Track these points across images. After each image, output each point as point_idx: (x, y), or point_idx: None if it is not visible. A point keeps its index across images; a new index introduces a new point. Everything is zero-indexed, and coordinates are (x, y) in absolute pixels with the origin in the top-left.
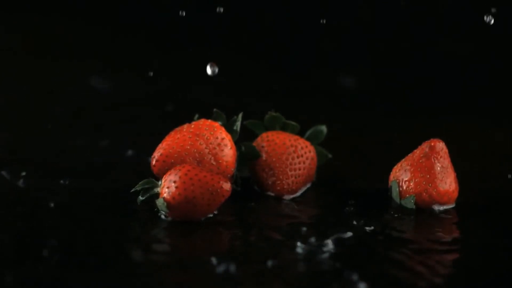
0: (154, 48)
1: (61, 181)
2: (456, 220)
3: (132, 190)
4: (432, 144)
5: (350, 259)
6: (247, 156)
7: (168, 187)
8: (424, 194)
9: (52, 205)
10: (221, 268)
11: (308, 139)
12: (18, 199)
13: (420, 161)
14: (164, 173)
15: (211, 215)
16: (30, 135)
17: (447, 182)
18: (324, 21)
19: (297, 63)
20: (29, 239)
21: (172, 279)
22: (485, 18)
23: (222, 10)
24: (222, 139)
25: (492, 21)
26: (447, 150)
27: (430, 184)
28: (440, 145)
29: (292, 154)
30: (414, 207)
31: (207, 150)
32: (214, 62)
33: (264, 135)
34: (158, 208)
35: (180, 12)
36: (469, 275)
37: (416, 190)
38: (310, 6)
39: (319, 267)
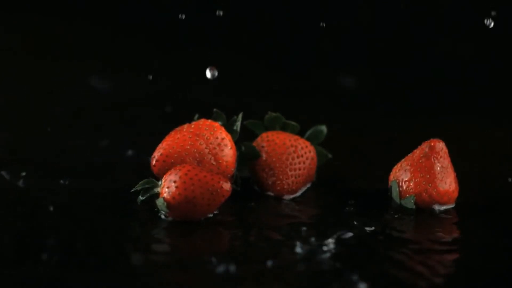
0: (154, 48)
1: (61, 181)
2: (456, 220)
3: (132, 190)
4: (432, 144)
5: (350, 259)
6: (247, 156)
7: (168, 187)
8: (424, 194)
9: (51, 208)
10: (221, 268)
11: (308, 139)
12: (18, 199)
13: (420, 161)
14: (164, 173)
15: (211, 215)
16: (30, 135)
17: (447, 182)
18: (324, 24)
19: (297, 63)
20: (29, 239)
21: (172, 279)
22: (485, 21)
23: (221, 13)
24: (222, 139)
25: (492, 24)
26: (447, 150)
27: (430, 184)
28: (440, 145)
29: (292, 154)
30: (414, 207)
31: (207, 150)
32: (213, 66)
33: (264, 135)
34: (158, 208)
35: (180, 15)
36: (469, 275)
37: (416, 190)
38: (310, 6)
39: (319, 267)
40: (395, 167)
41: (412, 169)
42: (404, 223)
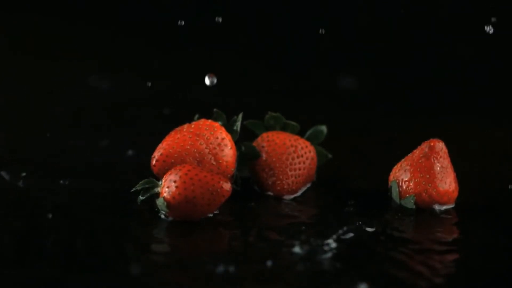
0: (154, 48)
1: (61, 181)
2: (456, 220)
3: (132, 190)
4: (432, 144)
5: (350, 259)
6: (247, 156)
7: (168, 187)
8: (424, 194)
9: (50, 216)
10: (221, 268)
11: (308, 139)
12: (18, 199)
13: (420, 161)
14: (164, 173)
15: (211, 215)
16: (30, 135)
17: (447, 182)
18: (323, 31)
19: (297, 63)
20: (29, 239)
21: (172, 279)
22: (485, 28)
23: (220, 20)
24: (222, 139)
25: (492, 31)
26: (446, 150)
27: (429, 184)
28: (440, 145)
29: (292, 154)
30: (414, 207)
31: (207, 150)
32: (212, 73)
33: (264, 135)
34: (158, 208)
35: (179, 22)
36: (469, 275)
37: (416, 190)
38: (310, 6)
39: (319, 267)
40: (395, 167)
41: (412, 169)
42: (404, 223)
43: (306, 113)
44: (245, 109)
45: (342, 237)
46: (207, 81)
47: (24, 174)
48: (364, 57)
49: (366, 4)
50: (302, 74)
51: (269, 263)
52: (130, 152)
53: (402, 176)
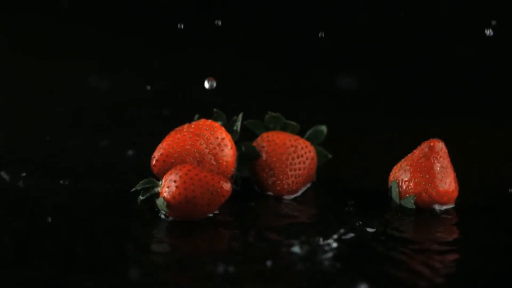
0: (154, 48)
1: (61, 181)
2: (456, 220)
3: (132, 190)
4: (432, 144)
5: (350, 259)
6: (247, 156)
7: (168, 187)
8: (424, 194)
9: (49, 220)
10: (221, 268)
11: (308, 139)
12: (18, 199)
13: (420, 161)
14: (164, 173)
15: (211, 215)
16: (30, 135)
17: (447, 182)
18: (323, 35)
19: (297, 63)
20: (29, 239)
21: (172, 279)
22: (485, 31)
23: (220, 23)
24: (222, 139)
25: (492, 34)
26: (446, 150)
27: (429, 184)
28: (440, 145)
29: (292, 154)
30: (414, 207)
31: (207, 150)
32: (211, 77)
33: (264, 135)
34: (158, 208)
35: (179, 25)
36: (469, 275)
37: (416, 190)
38: (310, 6)
39: (319, 267)
40: (395, 167)
41: (411, 169)
42: (404, 223)
43: (306, 113)
44: (245, 109)
45: (343, 237)
46: (206, 84)
47: (24, 174)
48: (364, 57)
49: (366, 4)
50: (302, 74)
51: (269, 263)
52: (130, 152)
53: (402, 176)
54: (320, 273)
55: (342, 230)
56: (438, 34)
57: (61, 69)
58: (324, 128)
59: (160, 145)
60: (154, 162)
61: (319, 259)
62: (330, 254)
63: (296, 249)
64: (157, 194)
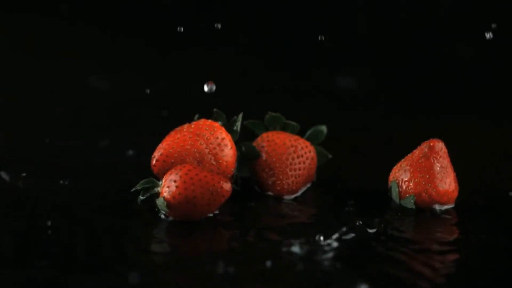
0: (154, 48)
1: (61, 181)
2: (456, 220)
3: (132, 190)
4: (431, 144)
5: (350, 259)
6: (247, 156)
7: (168, 187)
8: (424, 194)
9: (49, 223)
10: (221, 268)
11: (308, 139)
12: (18, 199)
13: (420, 161)
14: (164, 173)
15: (211, 215)
16: (30, 135)
17: (447, 182)
18: (323, 38)
19: (297, 63)
20: (29, 239)
21: (172, 279)
22: (486, 34)
23: (220, 26)
24: (222, 139)
25: (492, 36)
26: (446, 150)
27: (429, 184)
28: (440, 145)
29: (292, 154)
30: (414, 207)
31: (207, 150)
32: (211, 81)
33: (264, 135)
34: (158, 208)
35: (178, 28)
36: (469, 275)
37: (416, 190)
38: (310, 6)
39: (319, 267)
40: (395, 167)
41: (411, 169)
42: (404, 223)
43: (306, 113)
44: (245, 109)
45: (343, 237)
46: (205, 88)
47: (24, 174)
48: (364, 57)
49: (366, 4)
50: (302, 74)
51: (269, 263)
52: (130, 152)
53: (402, 176)
54: (320, 273)
55: (343, 229)
56: (438, 34)
57: (61, 69)
58: (324, 128)
59: (160, 145)
60: (154, 162)
61: (319, 259)
62: (330, 254)
63: (296, 249)
64: (157, 194)
